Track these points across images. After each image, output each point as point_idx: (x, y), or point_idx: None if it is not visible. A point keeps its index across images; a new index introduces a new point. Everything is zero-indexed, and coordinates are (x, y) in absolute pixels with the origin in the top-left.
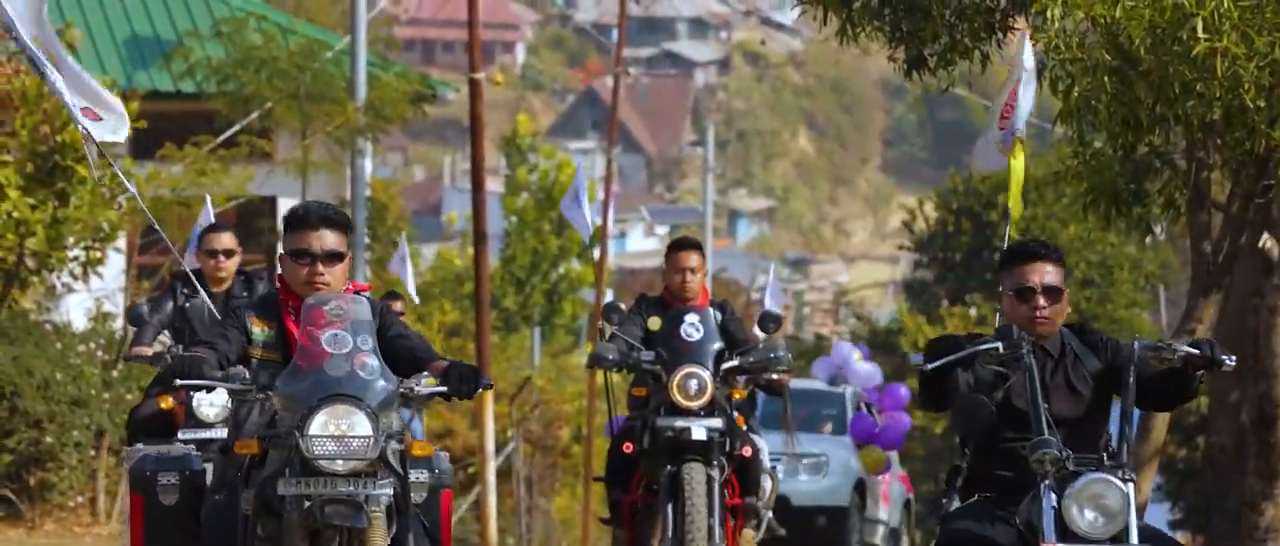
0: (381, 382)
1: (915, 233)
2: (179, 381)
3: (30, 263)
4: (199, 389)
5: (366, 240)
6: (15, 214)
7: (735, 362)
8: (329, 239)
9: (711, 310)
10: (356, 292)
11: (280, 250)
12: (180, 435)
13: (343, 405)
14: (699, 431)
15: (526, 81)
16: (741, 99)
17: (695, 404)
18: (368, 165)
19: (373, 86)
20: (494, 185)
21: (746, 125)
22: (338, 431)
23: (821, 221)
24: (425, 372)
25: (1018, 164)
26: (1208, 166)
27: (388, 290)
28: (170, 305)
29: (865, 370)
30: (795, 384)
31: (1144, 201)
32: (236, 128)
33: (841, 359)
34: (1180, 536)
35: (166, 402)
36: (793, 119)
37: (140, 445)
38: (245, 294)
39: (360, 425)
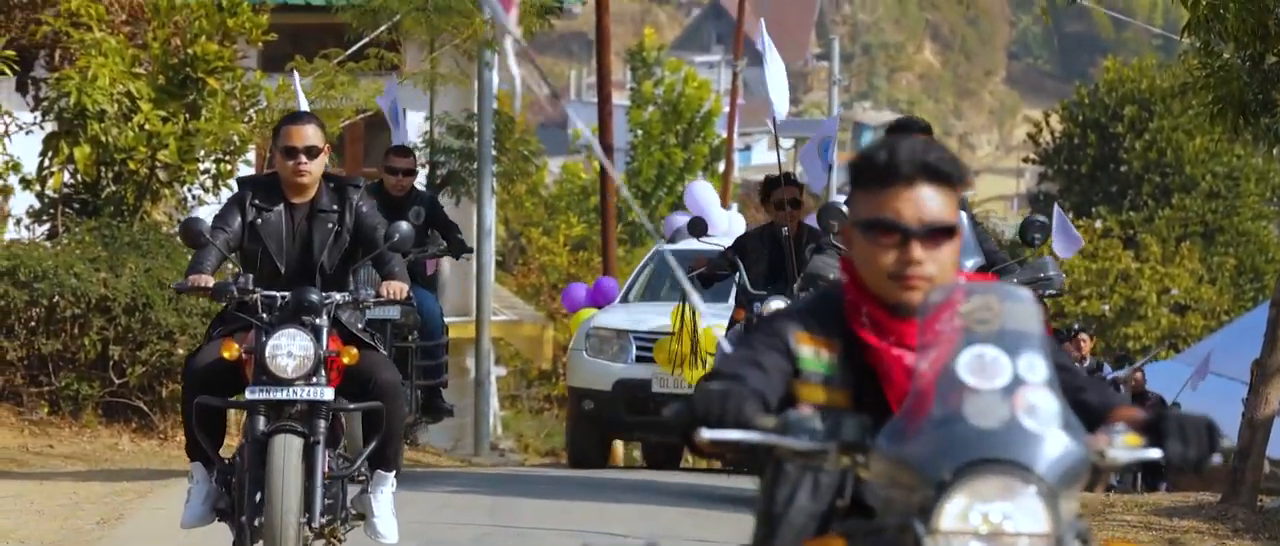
0: (1065, 438)
1: (1040, 145)
2: (706, 434)
3: (161, 175)
4: (733, 448)
5: (493, 153)
6: (147, 126)
7: None
8: (931, 204)
9: (960, 213)
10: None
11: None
12: (249, 393)
13: (999, 478)
14: None
15: None
16: (866, 12)
17: None
18: (495, 78)
19: None
20: (619, 99)
21: (871, 38)
22: (990, 528)
23: (946, 134)
24: (1119, 425)
25: None
26: None
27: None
28: (238, 220)
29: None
30: None
31: (1272, 112)
32: (365, 41)
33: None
34: None
35: (231, 350)
36: (918, 31)
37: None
38: (335, 208)
39: (1028, 512)
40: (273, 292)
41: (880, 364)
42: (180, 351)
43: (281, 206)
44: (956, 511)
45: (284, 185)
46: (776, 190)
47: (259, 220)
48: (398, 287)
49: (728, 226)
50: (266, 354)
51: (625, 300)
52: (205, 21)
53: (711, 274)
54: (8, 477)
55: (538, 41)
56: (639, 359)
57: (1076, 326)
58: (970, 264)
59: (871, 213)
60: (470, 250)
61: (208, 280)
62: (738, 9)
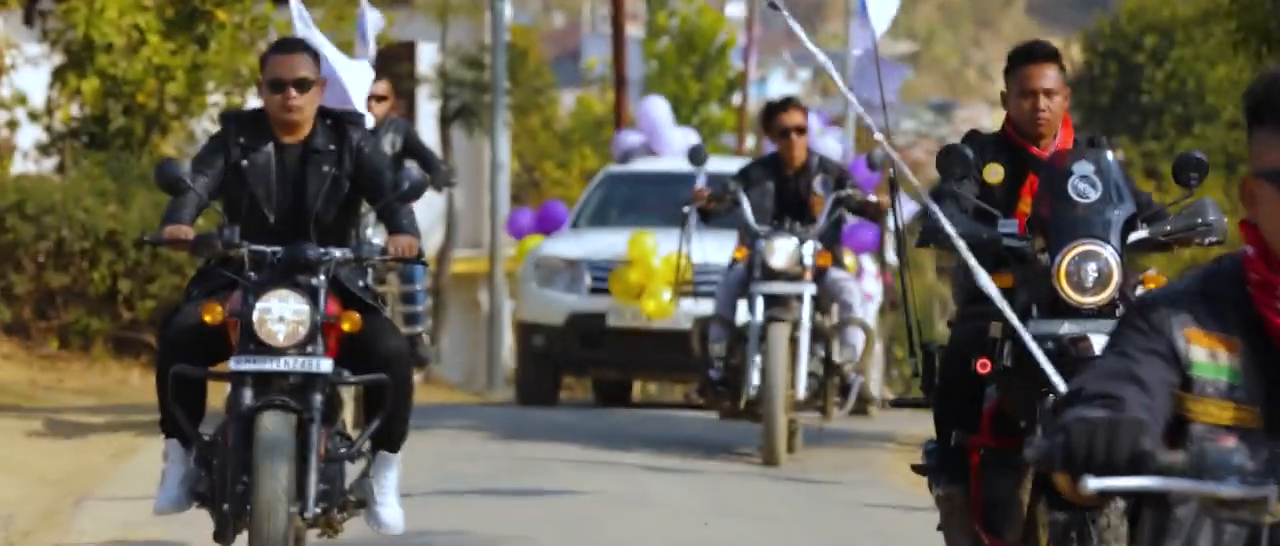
0: None
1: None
2: (1093, 484)
3: (170, 108)
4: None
5: (506, 85)
6: (155, 59)
7: (1144, 234)
8: None
9: (1106, 154)
10: None
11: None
12: (234, 362)
13: None
14: (1103, 343)
15: None
16: None
17: (1093, 300)
18: (507, 10)
19: None
20: (634, 30)
21: None
22: None
23: (966, 65)
24: None
25: None
26: None
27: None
28: (220, 162)
29: (828, 147)
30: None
31: None
32: None
33: None
34: None
35: (213, 314)
36: None
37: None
38: (331, 148)
39: None
40: (262, 247)
41: None
42: None
43: (270, 146)
44: None
45: (273, 122)
46: (779, 115)
47: (245, 162)
48: (408, 244)
49: (682, 147)
50: (255, 318)
51: (575, 226)
52: None
53: (711, 208)
54: (17, 412)
55: None
56: (594, 290)
57: None
58: (1118, 214)
59: None
60: (453, 182)
61: (187, 231)
62: None
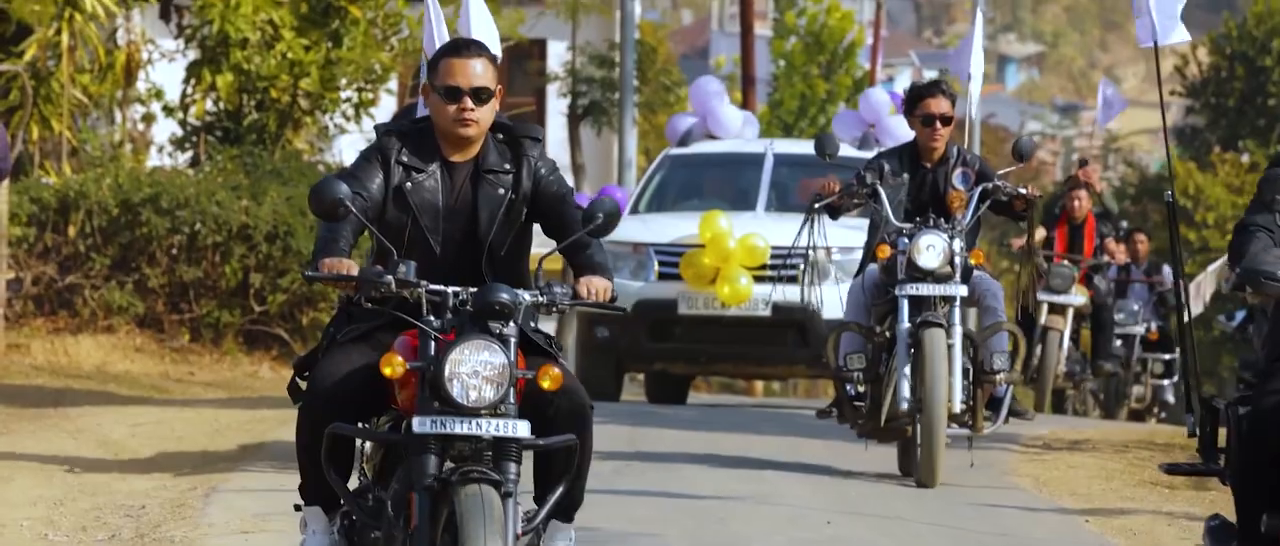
0: None
1: (1187, 78)
2: None
3: (303, 103)
4: None
5: (635, 83)
6: (289, 55)
7: None
8: None
9: None
10: None
11: None
12: (418, 424)
13: None
14: None
15: None
16: None
17: None
18: (637, 8)
19: None
20: (762, 29)
21: None
22: None
23: (1092, 67)
24: None
25: None
26: None
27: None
28: (379, 180)
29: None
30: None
31: None
32: None
33: (872, 112)
34: None
35: (394, 366)
36: None
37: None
38: (506, 168)
39: None
40: (441, 288)
41: None
42: None
43: (436, 165)
44: None
45: (440, 136)
46: (925, 99)
47: (408, 184)
48: (603, 287)
49: (739, 129)
50: (447, 372)
51: (635, 210)
52: None
53: (843, 203)
54: (150, 404)
55: None
56: (663, 276)
57: (1125, 226)
58: None
59: None
60: None
61: (349, 266)
62: None
